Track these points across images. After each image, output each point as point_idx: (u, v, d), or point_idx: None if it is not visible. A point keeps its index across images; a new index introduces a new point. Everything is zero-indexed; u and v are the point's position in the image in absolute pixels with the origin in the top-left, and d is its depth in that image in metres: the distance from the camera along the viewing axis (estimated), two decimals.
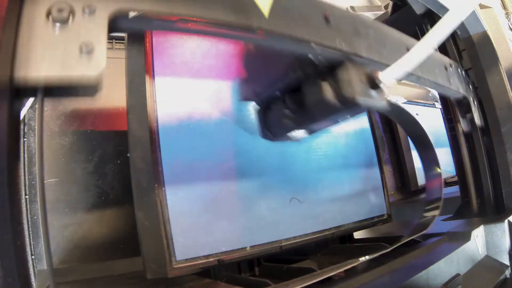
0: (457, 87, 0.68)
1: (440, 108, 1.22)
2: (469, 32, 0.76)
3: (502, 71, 0.74)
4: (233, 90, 0.62)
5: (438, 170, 0.75)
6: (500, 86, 0.74)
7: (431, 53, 0.63)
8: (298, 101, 0.44)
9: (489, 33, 0.75)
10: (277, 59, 0.44)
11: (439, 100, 0.87)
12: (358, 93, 0.36)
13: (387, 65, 0.42)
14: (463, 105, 0.75)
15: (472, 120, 0.74)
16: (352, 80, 0.37)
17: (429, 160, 0.76)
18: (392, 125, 1.19)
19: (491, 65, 0.75)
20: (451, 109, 0.81)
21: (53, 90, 0.26)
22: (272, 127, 0.50)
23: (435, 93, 1.53)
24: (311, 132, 0.49)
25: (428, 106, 1.38)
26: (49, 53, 0.25)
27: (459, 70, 0.73)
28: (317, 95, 0.40)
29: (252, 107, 0.63)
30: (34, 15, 0.26)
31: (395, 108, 0.73)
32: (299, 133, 0.48)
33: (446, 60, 0.69)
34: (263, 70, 0.48)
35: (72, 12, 0.26)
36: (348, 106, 0.38)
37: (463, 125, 0.77)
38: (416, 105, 1.32)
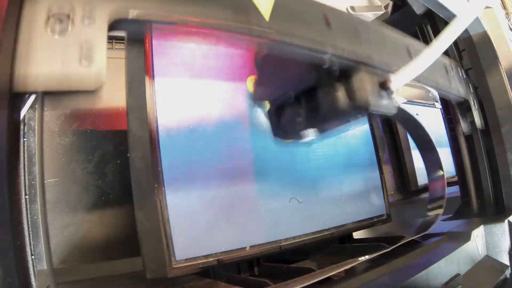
0: (458, 89, 0.68)
1: (440, 108, 1.22)
2: (469, 32, 0.76)
3: (502, 71, 0.74)
4: (232, 90, 0.62)
5: (442, 172, 0.75)
6: (500, 86, 0.74)
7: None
8: (313, 105, 0.45)
9: (489, 33, 0.75)
10: (293, 62, 0.44)
11: (439, 100, 0.87)
12: (371, 98, 0.38)
13: (392, 71, 0.42)
14: (464, 107, 0.75)
15: (472, 122, 0.75)
16: (367, 88, 0.38)
17: (433, 162, 0.76)
18: (392, 125, 1.19)
19: (491, 65, 0.75)
20: (451, 109, 0.81)
21: (53, 100, 0.26)
22: (285, 127, 0.51)
23: (435, 93, 1.53)
24: (322, 132, 0.49)
25: (428, 106, 1.38)
26: (48, 63, 0.25)
27: (459, 71, 0.73)
28: (331, 99, 0.41)
29: (252, 108, 0.64)
30: (34, 21, 0.25)
31: (400, 112, 0.73)
32: (310, 133, 0.49)
33: (446, 61, 0.69)
34: (279, 72, 0.49)
35: (71, 20, 0.26)
36: (361, 110, 0.39)
37: (463, 127, 0.77)
38: (416, 105, 1.32)
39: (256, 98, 0.56)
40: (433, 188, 0.76)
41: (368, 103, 0.37)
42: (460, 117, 0.76)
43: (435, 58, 0.40)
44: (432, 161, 0.76)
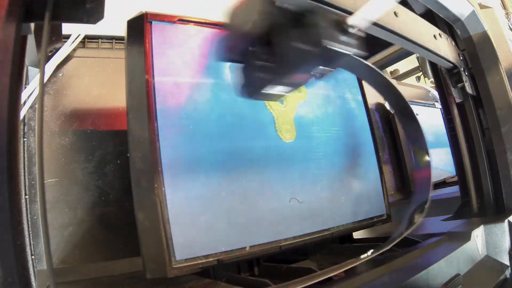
0: (447, 55, 0.69)
1: (440, 108, 1.22)
2: (469, 32, 0.76)
3: (502, 71, 0.74)
4: (233, 89, 0.62)
5: (424, 140, 0.73)
6: (500, 86, 0.74)
7: (419, 20, 0.64)
8: (271, 52, 0.44)
9: (489, 33, 0.75)
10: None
11: (439, 100, 0.87)
12: (324, 35, 0.37)
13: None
14: (454, 74, 0.76)
15: (463, 89, 0.75)
16: (319, 24, 0.37)
17: (413, 130, 0.75)
18: (392, 125, 1.19)
19: (491, 65, 0.75)
20: (451, 109, 0.81)
21: (60, 14, 0.26)
22: (247, 83, 0.50)
23: (435, 93, 1.53)
24: (288, 87, 0.48)
25: (428, 106, 1.38)
26: None
27: (448, 40, 0.74)
28: (286, 41, 0.40)
29: (253, 107, 0.64)
30: None
31: (370, 70, 0.70)
32: (277, 89, 0.48)
33: (435, 29, 0.70)
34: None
35: None
36: (318, 51, 0.38)
37: (454, 95, 0.77)
38: (416, 105, 1.32)
39: (224, 57, 0.54)
40: (417, 157, 0.75)
41: (321, 37, 0.36)
42: (450, 84, 0.77)
43: None
44: (413, 130, 0.75)
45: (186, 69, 0.57)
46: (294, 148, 0.67)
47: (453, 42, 0.76)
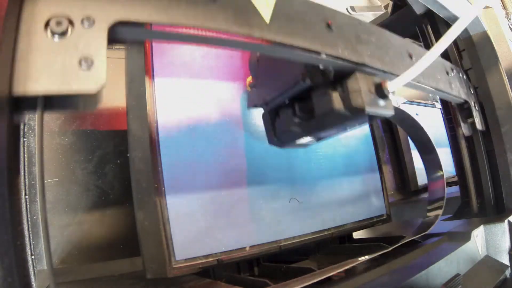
0: (459, 92, 0.68)
1: (440, 108, 1.22)
2: (469, 32, 0.76)
3: (502, 71, 0.74)
4: (232, 90, 0.62)
5: (441, 173, 0.75)
6: (500, 86, 0.74)
7: (434, 57, 0.63)
8: (307, 110, 0.44)
9: (489, 33, 0.75)
10: (287, 66, 0.44)
11: (439, 100, 0.87)
12: (366, 103, 0.37)
13: (391, 73, 0.42)
14: (464, 109, 0.74)
15: (472, 124, 0.74)
16: (361, 90, 0.37)
17: (432, 163, 0.76)
18: (392, 125, 1.19)
19: (491, 65, 0.75)
20: (451, 110, 0.81)
21: (53, 104, 0.26)
22: (280, 134, 0.50)
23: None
24: (318, 139, 0.49)
25: (428, 106, 1.38)
26: (48, 66, 0.25)
27: (460, 74, 0.73)
28: (326, 105, 0.40)
29: (254, 110, 0.64)
30: (33, 26, 0.25)
31: (400, 114, 0.73)
32: (306, 140, 0.48)
33: (447, 64, 0.69)
34: (273, 76, 0.48)
35: (71, 23, 0.26)
36: (357, 116, 0.38)
37: (464, 130, 0.76)
38: (416, 105, 1.32)
39: (250, 103, 0.55)
40: (433, 189, 0.76)
41: (363, 105, 0.36)
42: (460, 119, 0.76)
43: (432, 60, 0.40)
44: (431, 161, 0.76)
45: (186, 69, 0.57)
46: (294, 148, 0.67)
47: (464, 76, 0.74)
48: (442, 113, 1.02)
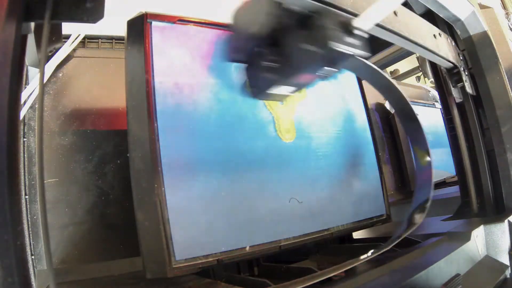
0: (447, 55, 0.69)
1: (440, 108, 1.22)
2: (469, 32, 0.76)
3: (502, 71, 0.74)
4: (232, 89, 0.62)
5: (425, 140, 0.74)
6: (500, 86, 0.74)
7: (419, 20, 0.64)
8: (277, 53, 0.45)
9: (489, 33, 0.75)
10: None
11: (439, 100, 0.87)
12: (331, 37, 0.37)
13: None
14: (454, 74, 0.76)
15: (463, 89, 0.75)
16: (327, 26, 0.38)
17: (414, 131, 0.75)
18: (392, 125, 1.19)
19: (491, 65, 0.75)
20: (451, 109, 0.81)
21: (59, 13, 0.27)
22: (253, 83, 0.50)
23: (435, 93, 1.53)
24: (294, 88, 0.48)
25: (428, 106, 1.38)
26: None
27: (448, 40, 0.74)
28: (293, 43, 0.41)
29: (253, 107, 0.64)
30: None
31: (372, 71, 0.71)
32: (282, 90, 0.48)
33: (435, 29, 0.70)
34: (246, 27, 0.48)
35: None
36: (324, 52, 0.39)
37: (454, 95, 0.77)
38: (416, 105, 1.32)
39: (230, 58, 0.55)
40: (418, 157, 0.75)
41: (327, 39, 0.37)
42: (450, 84, 0.77)
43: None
44: (414, 130, 0.75)
45: (186, 69, 0.57)
46: (294, 148, 0.67)
47: (452, 42, 0.76)
48: (442, 113, 1.03)
